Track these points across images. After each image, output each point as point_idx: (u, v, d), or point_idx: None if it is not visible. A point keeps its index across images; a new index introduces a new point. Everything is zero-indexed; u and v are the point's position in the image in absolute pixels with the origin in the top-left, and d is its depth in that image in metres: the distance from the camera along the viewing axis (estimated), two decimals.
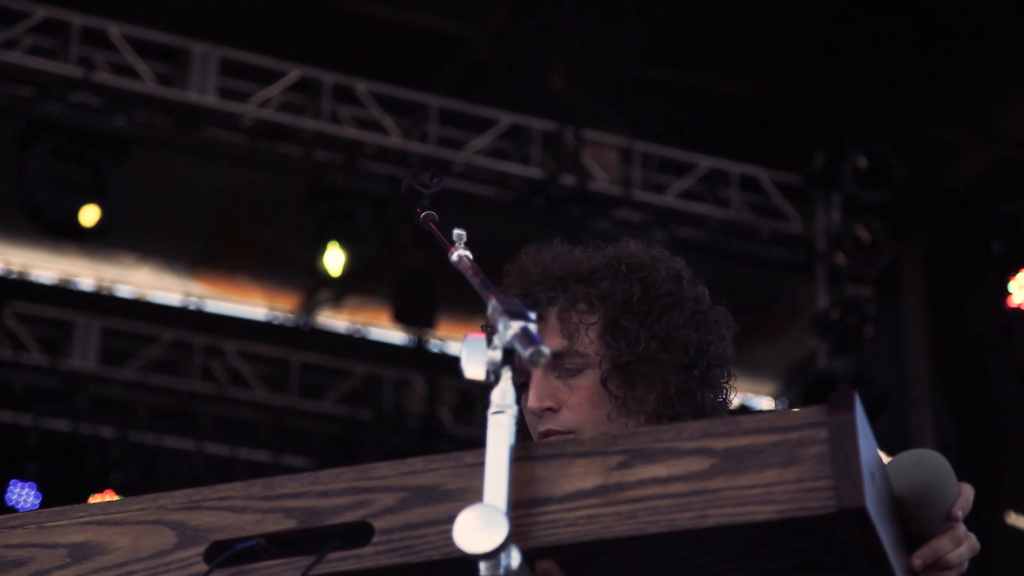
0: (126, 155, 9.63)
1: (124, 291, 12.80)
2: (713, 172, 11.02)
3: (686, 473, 1.77)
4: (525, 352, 1.77)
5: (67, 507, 1.89)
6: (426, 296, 11.10)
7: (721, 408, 2.54)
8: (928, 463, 2.05)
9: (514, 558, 1.71)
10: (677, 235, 10.72)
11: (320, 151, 10.00)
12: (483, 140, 10.40)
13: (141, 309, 12.40)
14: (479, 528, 1.68)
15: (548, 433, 2.47)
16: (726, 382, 2.57)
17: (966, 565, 2.07)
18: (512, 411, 1.78)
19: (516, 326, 1.80)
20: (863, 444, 1.74)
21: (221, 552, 1.82)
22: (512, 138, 10.54)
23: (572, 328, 2.49)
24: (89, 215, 9.54)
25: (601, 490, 1.78)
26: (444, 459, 1.85)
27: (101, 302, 12.30)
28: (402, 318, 11.28)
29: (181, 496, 1.87)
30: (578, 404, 2.47)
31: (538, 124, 10.54)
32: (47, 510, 1.89)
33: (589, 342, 2.49)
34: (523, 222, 10.69)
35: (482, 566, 1.70)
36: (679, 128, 11.11)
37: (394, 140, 10.18)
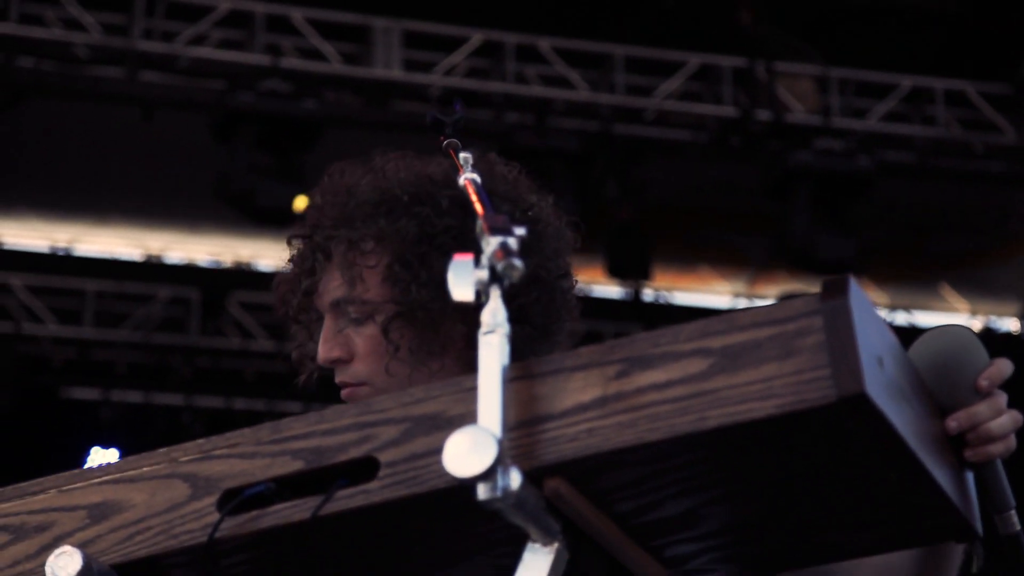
0: (321, 137, 9.77)
1: None
2: (916, 90, 10.71)
3: (684, 376, 1.69)
4: (499, 266, 1.71)
5: (84, 469, 1.91)
6: (639, 248, 11.03)
7: (543, 334, 2.29)
8: (948, 332, 1.95)
9: (513, 478, 1.66)
10: (884, 159, 10.45)
11: (510, 113, 10.01)
12: (672, 84, 10.28)
13: None
14: (469, 451, 1.63)
15: (343, 385, 2.33)
16: (547, 308, 2.30)
17: (1014, 442, 1.95)
18: (504, 330, 1.73)
19: (495, 242, 1.74)
20: (862, 328, 1.64)
21: (233, 499, 1.81)
22: (702, 79, 10.40)
23: (354, 273, 2.30)
24: (300, 201, 9.73)
25: (600, 402, 1.72)
26: (444, 386, 1.81)
27: None
28: (616, 272, 11.24)
29: (192, 448, 1.86)
30: (367, 354, 2.30)
31: (727, 62, 10.37)
32: (66, 474, 1.91)
33: (371, 288, 2.30)
34: (723, 163, 10.56)
35: (480, 489, 1.65)
36: (875, 50, 10.82)
37: (582, 94, 10.14)
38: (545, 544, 1.74)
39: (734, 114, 10.28)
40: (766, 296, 12.68)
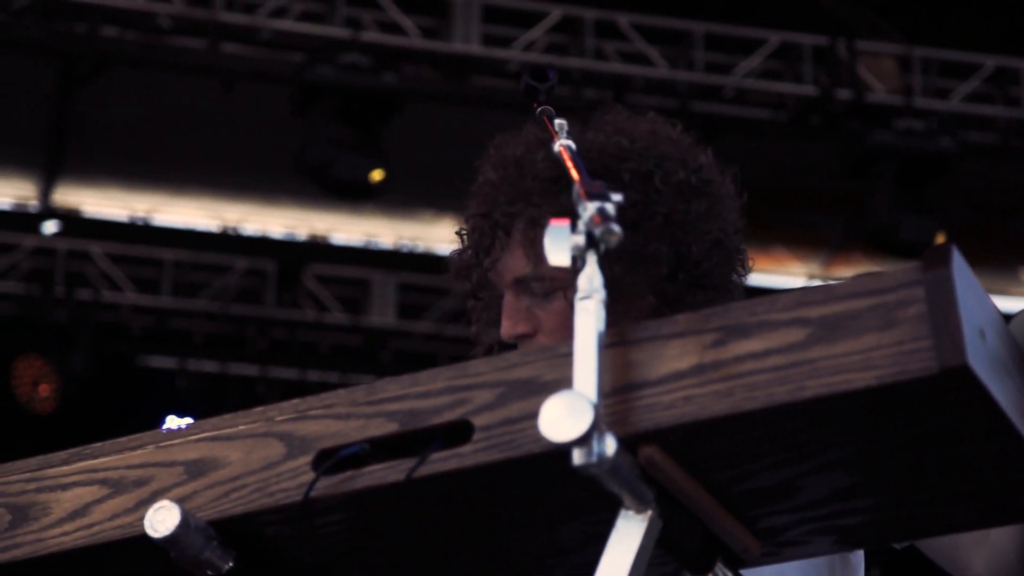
0: (400, 111, 9.79)
1: (423, 247, 13.11)
2: (1000, 70, 10.60)
3: (782, 345, 1.68)
4: (596, 231, 1.71)
5: (182, 427, 1.93)
6: None
7: (724, 296, 2.34)
8: None
9: (608, 445, 1.66)
10: (966, 140, 10.35)
11: (588, 89, 9.98)
12: (752, 62, 10.23)
13: (437, 263, 12.62)
14: (565, 416, 1.64)
15: None
16: (725, 269, 2.36)
17: None
18: (600, 295, 1.73)
19: (592, 207, 1.74)
20: (964, 299, 1.63)
21: (327, 460, 1.82)
22: (782, 57, 10.34)
23: (537, 250, 2.27)
24: (376, 175, 9.77)
25: (697, 369, 1.71)
26: (540, 351, 1.81)
27: (398, 259, 12.61)
28: None
29: (288, 407, 1.87)
30: (554, 329, 2.32)
31: (808, 40, 10.30)
32: (163, 430, 1.93)
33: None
34: (802, 142, 10.49)
35: (575, 454, 1.65)
36: (959, 29, 10.70)
37: (661, 71, 10.10)
38: (639, 512, 1.74)
39: (814, 93, 10.21)
40: (842, 279, 12.58)
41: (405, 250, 12.80)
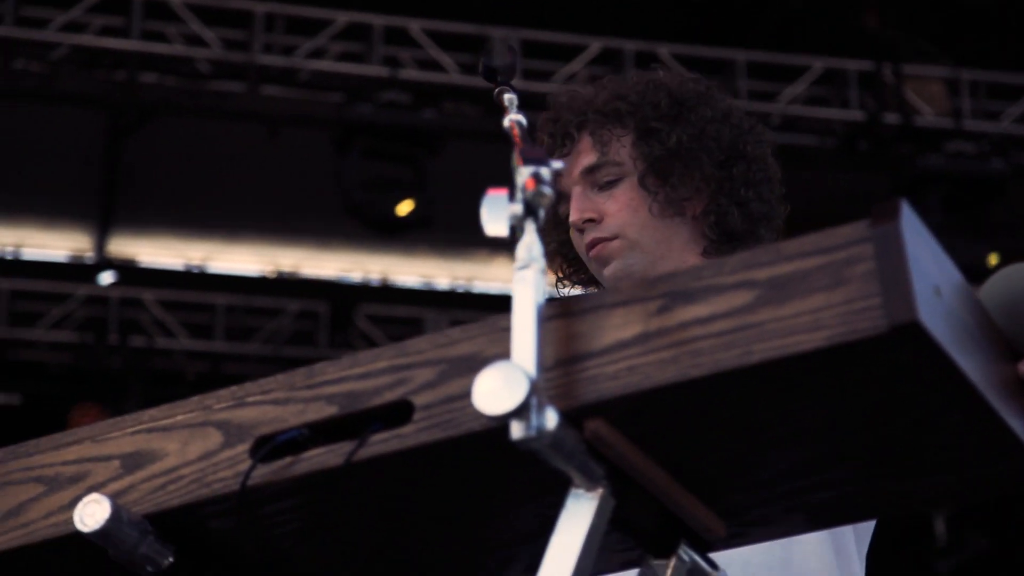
0: (442, 148, 9.76)
1: (476, 286, 13.09)
2: None
3: (729, 309, 1.59)
4: (529, 195, 1.63)
5: (119, 418, 1.86)
6: None
7: (770, 216, 2.54)
8: (1019, 271, 1.81)
9: (549, 418, 1.57)
10: (1017, 162, 10.19)
11: None
12: (797, 88, 10.12)
13: (490, 301, 12.59)
14: (500, 388, 1.55)
15: (594, 243, 2.53)
16: (771, 192, 2.55)
17: None
18: (539, 264, 1.64)
19: (527, 171, 1.66)
20: (916, 256, 1.53)
21: (265, 446, 1.75)
22: (827, 83, 10.22)
23: (604, 141, 2.53)
24: (404, 207, 9.71)
25: (642, 338, 1.62)
26: (480, 326, 1.73)
27: (451, 299, 12.57)
28: None
29: (226, 395, 1.80)
30: (618, 210, 2.52)
31: (853, 65, 10.19)
32: (100, 423, 1.86)
33: (623, 149, 2.53)
34: (850, 168, 10.37)
35: (513, 427, 1.56)
36: (1008, 50, 10.56)
37: None
38: (588, 490, 1.65)
39: (862, 118, 10.09)
40: None
41: (460, 290, 12.77)
